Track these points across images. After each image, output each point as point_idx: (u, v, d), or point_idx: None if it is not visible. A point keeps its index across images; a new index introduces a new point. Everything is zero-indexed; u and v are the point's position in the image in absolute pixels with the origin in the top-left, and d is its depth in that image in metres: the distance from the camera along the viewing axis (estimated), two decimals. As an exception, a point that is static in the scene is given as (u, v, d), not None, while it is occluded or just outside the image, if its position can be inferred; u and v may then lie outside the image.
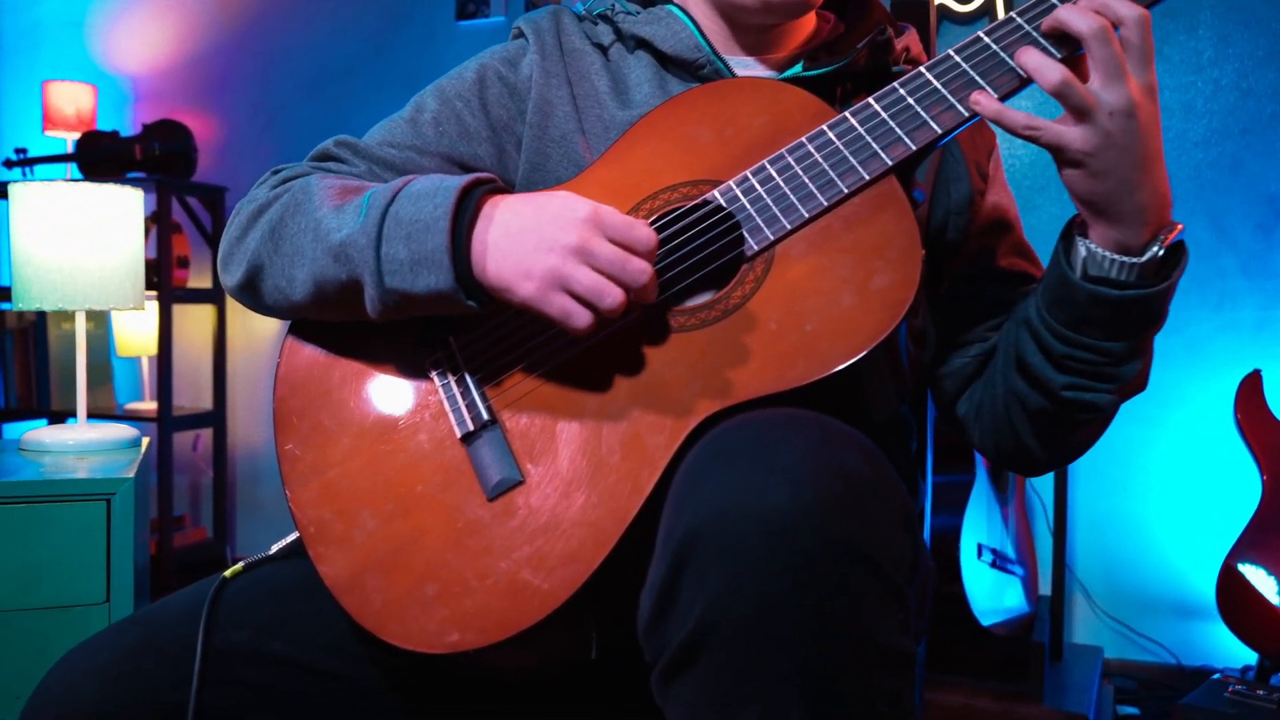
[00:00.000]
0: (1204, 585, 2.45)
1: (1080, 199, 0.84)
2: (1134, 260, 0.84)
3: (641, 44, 1.05)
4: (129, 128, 3.53)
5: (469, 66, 1.06)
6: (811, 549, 0.59)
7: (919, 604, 0.75)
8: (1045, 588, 2.45)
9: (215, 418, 3.30)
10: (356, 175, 0.99)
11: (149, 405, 3.22)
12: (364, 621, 0.82)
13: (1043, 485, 2.50)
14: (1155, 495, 2.51)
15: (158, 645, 0.84)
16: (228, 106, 3.46)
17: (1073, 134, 0.81)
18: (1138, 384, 0.92)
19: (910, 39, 1.07)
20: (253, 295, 0.95)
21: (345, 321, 0.93)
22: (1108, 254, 0.85)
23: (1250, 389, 2.25)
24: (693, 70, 1.02)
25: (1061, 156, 0.82)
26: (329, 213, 0.88)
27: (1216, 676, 2.10)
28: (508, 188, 0.89)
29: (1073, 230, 0.89)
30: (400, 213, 0.84)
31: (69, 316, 3.22)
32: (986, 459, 1.07)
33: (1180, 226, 0.86)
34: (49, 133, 3.31)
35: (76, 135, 3.28)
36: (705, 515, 0.61)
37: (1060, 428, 0.94)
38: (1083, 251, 0.86)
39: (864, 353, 0.78)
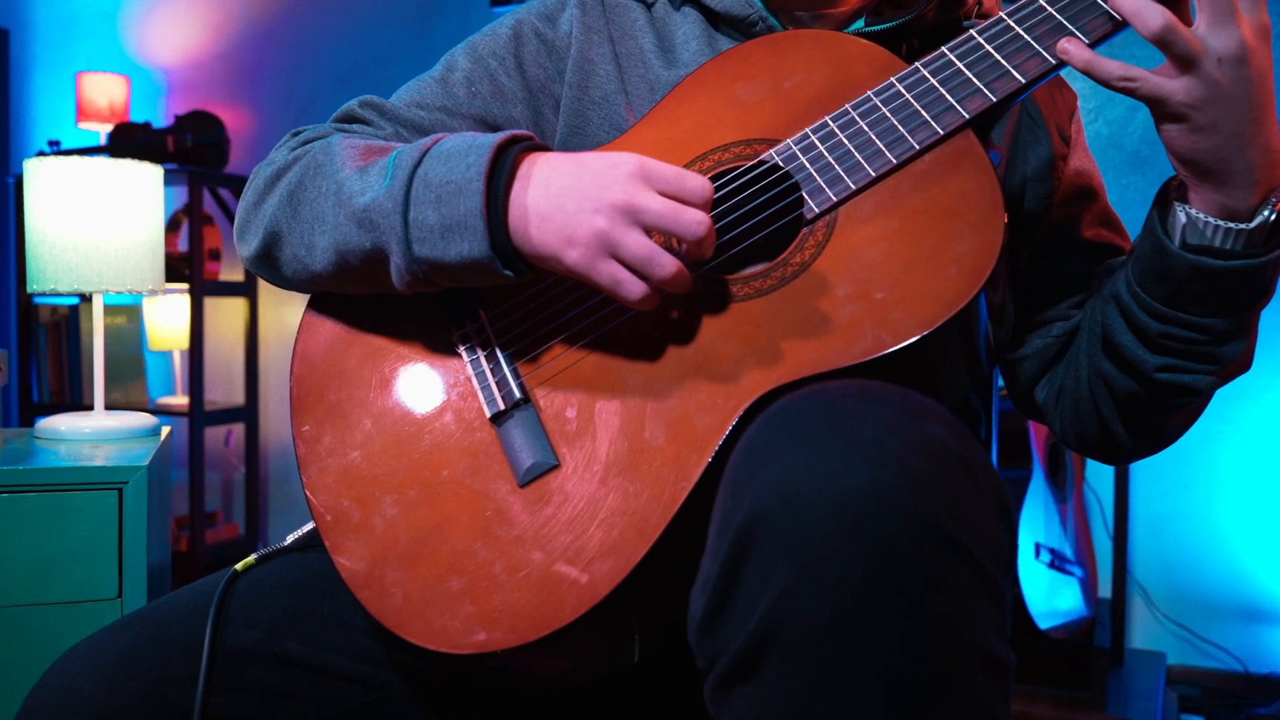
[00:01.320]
0: (1274, 588, 2.33)
1: (1181, 158, 0.75)
2: (1241, 226, 0.75)
3: (688, -1, 0.97)
4: (162, 119, 3.51)
5: (504, 22, 0.98)
6: (896, 535, 0.50)
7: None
8: (1104, 590, 2.34)
9: (247, 413, 3.27)
10: (382, 138, 0.92)
11: (181, 400, 3.18)
12: (383, 618, 0.75)
13: (1101, 484, 2.39)
14: (1222, 493, 2.39)
15: (162, 643, 0.77)
16: (260, 98, 3.43)
17: (1176, 85, 0.72)
18: (1241, 364, 0.83)
19: (983, -10, 0.98)
20: (270, 266, 0.88)
21: (368, 295, 0.86)
22: (1211, 220, 0.76)
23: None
24: (744, 28, 0.94)
25: (1162, 111, 0.73)
26: (352, 175, 0.81)
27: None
28: (546, 145, 0.81)
29: (1169, 195, 0.80)
30: (429, 174, 0.76)
31: (109, 306, 3.19)
32: (1069, 448, 0.98)
33: None
34: (82, 125, 3.29)
35: (110, 127, 3.26)
36: (770, 497, 0.53)
37: (1152, 413, 0.86)
38: (1182, 218, 0.77)
39: (940, 323, 0.70)
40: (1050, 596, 2.03)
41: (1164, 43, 0.71)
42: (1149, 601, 2.43)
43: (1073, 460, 2.25)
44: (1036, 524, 2.02)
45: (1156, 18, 0.70)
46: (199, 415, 3.02)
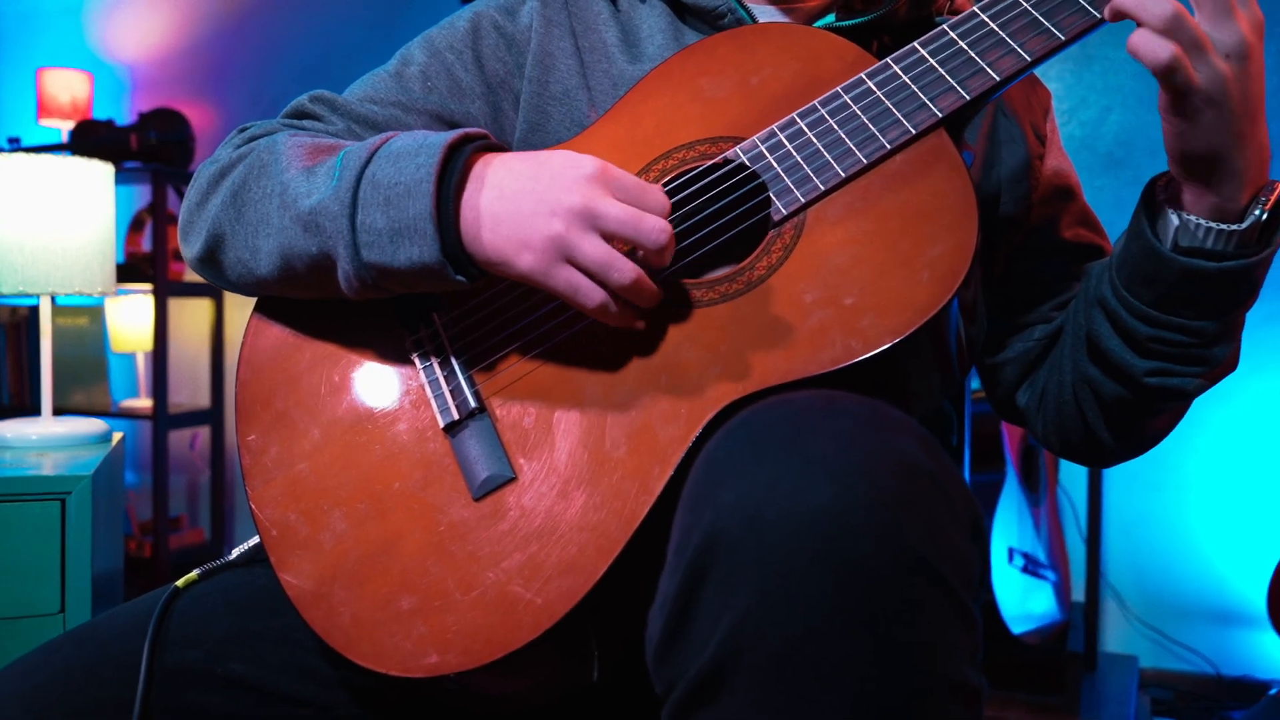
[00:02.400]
0: (1245, 590, 2.32)
1: (1183, 156, 0.72)
2: (1234, 227, 0.73)
3: (654, -10, 0.94)
4: (125, 117, 3.44)
5: (462, 15, 0.95)
6: (863, 557, 0.47)
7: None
8: (1077, 593, 2.33)
9: (213, 415, 3.21)
10: (333, 134, 0.88)
11: (145, 402, 3.12)
12: (331, 639, 0.71)
13: (1074, 486, 2.38)
14: (1193, 496, 2.38)
15: (97, 666, 0.73)
16: (226, 95, 3.37)
17: (1199, 76, 0.68)
18: (1229, 366, 0.81)
19: (955, -13, 0.95)
20: (214, 269, 0.85)
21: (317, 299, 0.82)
22: (1204, 222, 0.74)
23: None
24: (712, 20, 0.91)
25: (1184, 104, 0.69)
26: (297, 175, 0.77)
27: (1274, 691, 1.97)
28: (502, 145, 0.78)
29: (1156, 197, 0.77)
30: (378, 175, 0.73)
31: (61, 310, 3.13)
32: (1050, 451, 0.96)
33: None
34: (44, 121, 3.22)
35: (72, 124, 3.19)
36: (730, 516, 0.50)
37: (1139, 416, 0.85)
38: (1174, 221, 0.75)
39: (913, 330, 0.67)
40: (1023, 601, 2.02)
41: (1175, 30, 0.68)
42: (1121, 604, 2.43)
43: (1046, 463, 2.23)
44: (1010, 528, 2.00)
45: (1166, 5, 0.68)
46: (163, 418, 2.97)
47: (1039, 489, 2.17)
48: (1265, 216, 0.73)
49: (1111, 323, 0.80)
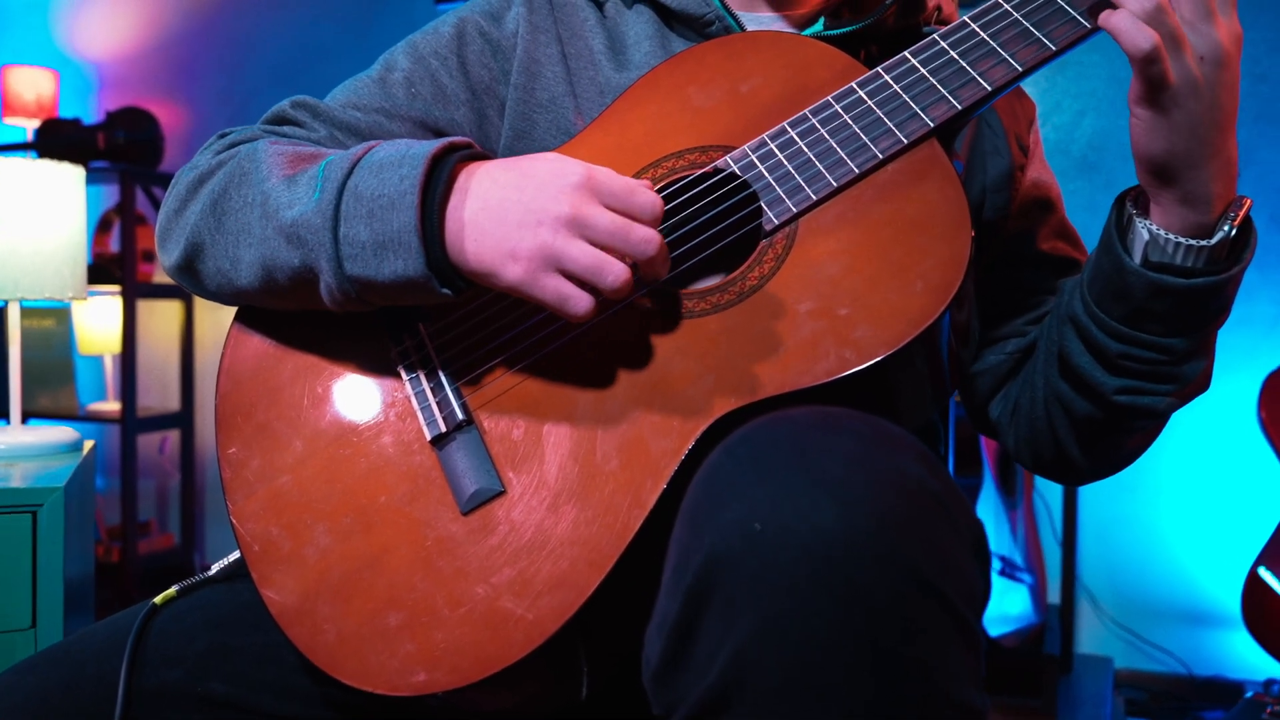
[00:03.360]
0: (1216, 591, 2.35)
1: (1149, 159, 0.72)
2: (1203, 243, 0.73)
3: (641, -4, 0.93)
4: (92, 115, 3.39)
5: (447, 20, 0.93)
6: (868, 582, 0.47)
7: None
8: (1052, 595, 2.34)
9: (183, 418, 3.16)
10: (315, 142, 0.87)
11: (113, 406, 3.07)
12: (315, 657, 0.70)
13: (1049, 489, 2.40)
14: (1165, 498, 2.41)
15: (75, 685, 0.72)
16: (196, 94, 3.32)
17: (1171, 71, 0.68)
18: (1200, 384, 0.81)
19: (942, -4, 0.95)
20: (192, 278, 0.83)
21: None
22: (1173, 237, 0.73)
23: (1277, 387, 2.14)
24: (699, 27, 0.90)
25: (1153, 99, 0.69)
26: (279, 184, 0.75)
27: (1249, 695, 1.99)
28: (487, 154, 0.76)
29: (1125, 208, 0.77)
30: (360, 186, 0.71)
31: (27, 312, 3.07)
32: (1023, 466, 0.95)
33: (1249, 202, 0.75)
34: (8, 120, 3.16)
35: (37, 123, 3.14)
36: (732, 538, 0.49)
37: (1109, 435, 0.84)
38: (1144, 235, 0.75)
39: (907, 341, 0.67)
40: (1000, 603, 2.03)
41: (1157, 20, 0.67)
42: (1095, 606, 2.44)
43: (1022, 468, 2.25)
44: (987, 532, 2.01)
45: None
46: (131, 422, 2.92)
47: (1015, 493, 2.18)
48: (1234, 233, 0.73)
49: (1082, 339, 0.80)
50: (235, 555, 0.79)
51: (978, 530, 0.54)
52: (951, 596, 0.49)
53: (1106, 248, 0.77)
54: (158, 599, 0.78)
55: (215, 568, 0.81)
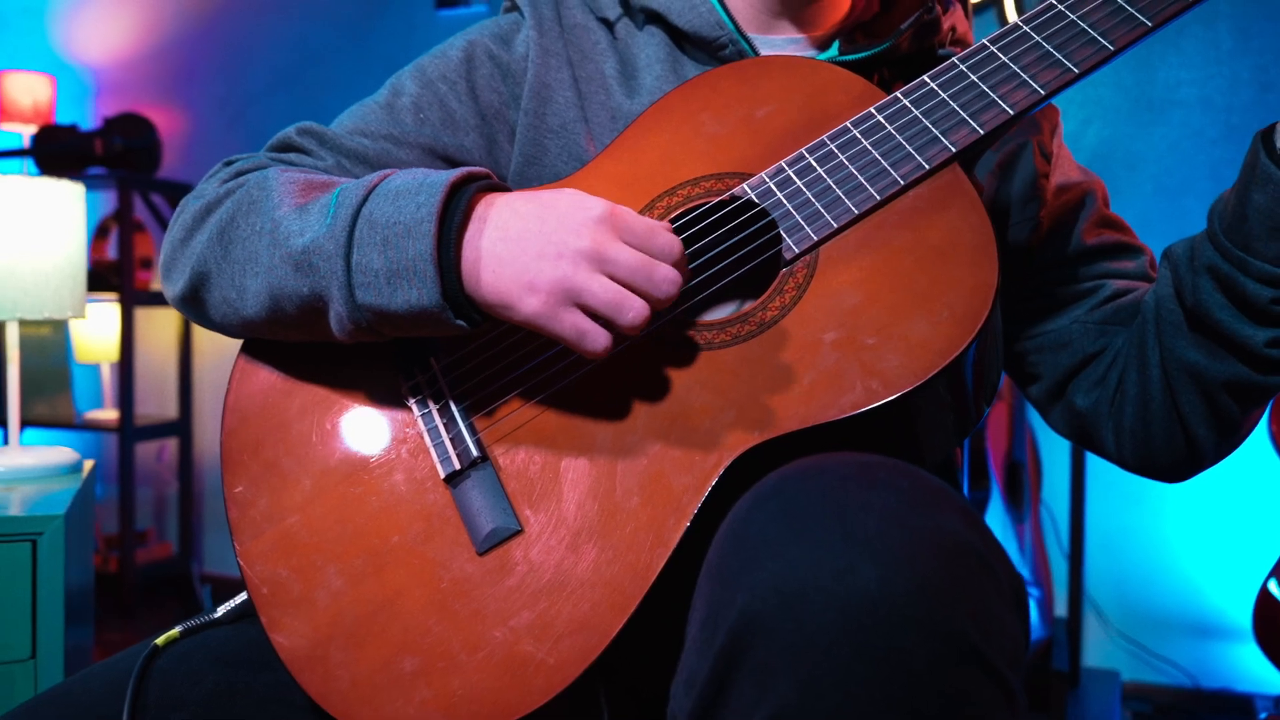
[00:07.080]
0: (1223, 604, 2.33)
1: None
2: None
3: (653, 18, 0.91)
4: (89, 121, 3.37)
5: (455, 44, 0.92)
6: (910, 647, 0.45)
7: None
8: (1059, 609, 2.33)
9: (181, 427, 3.15)
10: (323, 170, 0.85)
11: (110, 414, 3.05)
12: (328, 704, 0.68)
13: (1056, 501, 2.38)
14: (1171, 510, 2.39)
15: (78, 730, 0.69)
16: (194, 99, 3.30)
17: None
18: None
19: (956, 17, 0.94)
20: (197, 309, 0.81)
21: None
22: None
23: (1287, 400, 2.13)
24: (712, 50, 0.88)
25: None
26: (289, 213, 0.73)
27: (1264, 716, 1.97)
28: (504, 185, 0.75)
29: (1264, 139, 0.73)
30: (375, 214, 0.70)
31: (27, 322, 3.05)
32: (1123, 467, 0.89)
33: None
34: (4, 126, 3.14)
35: (34, 129, 3.12)
36: (767, 598, 0.47)
37: (1252, 401, 0.79)
38: None
39: (934, 373, 0.65)
40: (1008, 617, 2.01)
41: None
42: (1101, 618, 2.43)
43: (1029, 480, 2.23)
44: (995, 544, 1.99)
45: None
46: (129, 430, 2.91)
47: (1023, 506, 2.16)
48: None
49: (1224, 290, 0.75)
50: (243, 597, 0.77)
51: (1018, 584, 0.52)
52: (994, 659, 0.47)
53: (1264, 178, 0.72)
54: (159, 640, 0.76)
55: (221, 610, 0.78)
